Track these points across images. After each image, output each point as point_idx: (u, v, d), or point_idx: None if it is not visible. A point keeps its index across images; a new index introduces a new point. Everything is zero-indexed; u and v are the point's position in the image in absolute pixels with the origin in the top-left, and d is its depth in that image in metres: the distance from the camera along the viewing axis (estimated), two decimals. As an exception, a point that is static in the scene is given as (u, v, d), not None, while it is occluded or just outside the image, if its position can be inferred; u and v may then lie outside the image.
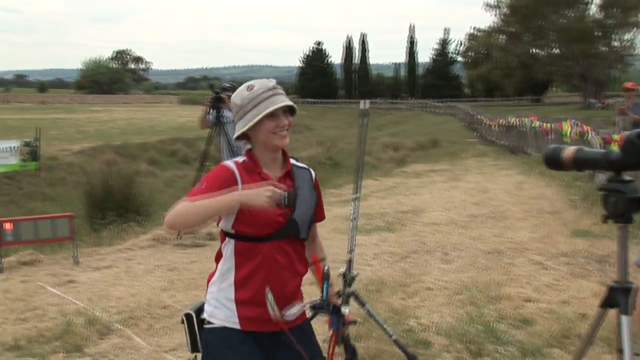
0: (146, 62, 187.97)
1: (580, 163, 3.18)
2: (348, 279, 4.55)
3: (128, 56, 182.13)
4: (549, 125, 26.56)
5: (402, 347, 4.17)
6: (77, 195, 24.07)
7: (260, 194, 3.68)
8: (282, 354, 4.00)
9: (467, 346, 7.18)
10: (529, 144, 30.15)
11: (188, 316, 4.15)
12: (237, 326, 3.95)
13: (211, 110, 12.47)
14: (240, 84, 12.20)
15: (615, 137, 17.01)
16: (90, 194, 19.68)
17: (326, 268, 4.12)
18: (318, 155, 40.48)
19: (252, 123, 3.95)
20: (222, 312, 4.00)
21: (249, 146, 4.20)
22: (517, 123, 33.09)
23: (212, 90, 12.66)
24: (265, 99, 3.97)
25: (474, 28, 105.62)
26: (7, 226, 11.74)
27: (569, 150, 3.15)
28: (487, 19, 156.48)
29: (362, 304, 4.30)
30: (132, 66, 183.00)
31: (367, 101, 4.49)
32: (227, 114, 12.40)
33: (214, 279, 4.14)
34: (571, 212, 14.82)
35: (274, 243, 3.94)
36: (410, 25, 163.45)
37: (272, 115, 3.95)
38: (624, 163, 2.96)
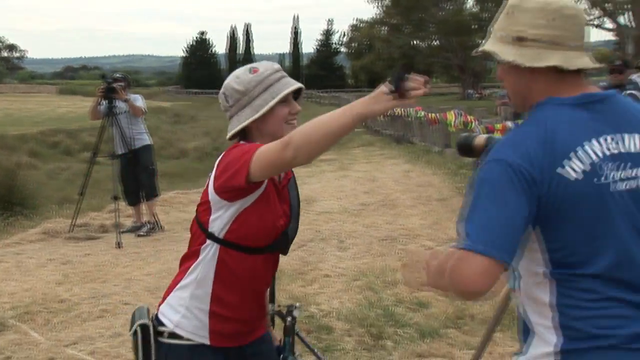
0: (20, 50, 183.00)
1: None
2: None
3: (3, 44, 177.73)
4: (434, 115, 26.92)
5: None
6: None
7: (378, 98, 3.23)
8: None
9: (368, 330, 7.36)
10: (414, 133, 30.43)
11: (144, 327, 3.58)
12: (206, 340, 3.56)
13: (103, 101, 12.35)
14: (123, 73, 12.22)
15: (498, 126, 17.46)
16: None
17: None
18: (205, 146, 40.40)
19: (265, 109, 3.48)
20: (190, 323, 3.55)
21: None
22: (402, 113, 33.38)
23: (103, 80, 12.48)
24: (276, 81, 3.60)
25: (357, 19, 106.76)
26: None
27: (480, 138, 3.20)
28: (370, 11, 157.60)
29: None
30: (5, 54, 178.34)
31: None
32: (119, 104, 12.36)
33: (184, 282, 3.61)
34: (458, 199, 15.01)
35: (263, 256, 3.61)
36: (295, 16, 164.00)
37: (285, 100, 3.57)
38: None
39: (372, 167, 22.80)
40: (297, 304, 3.86)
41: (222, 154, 3.47)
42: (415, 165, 22.09)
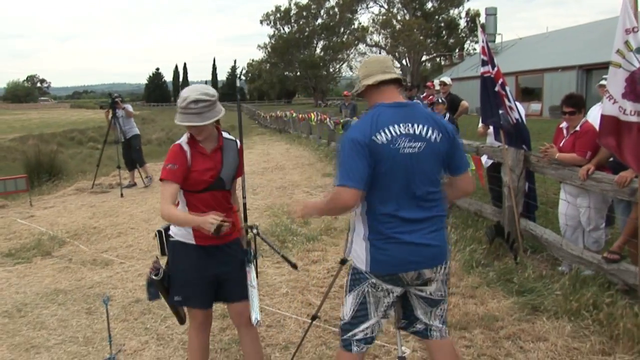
0: (47, 82, 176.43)
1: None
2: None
3: (36, 78, 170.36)
4: (302, 115, 27.15)
5: (286, 259, 3.82)
6: (15, 166, 22.78)
7: (206, 222, 3.18)
8: (220, 256, 3.54)
9: (277, 238, 7.60)
10: (290, 127, 30.58)
11: (159, 232, 3.70)
12: (192, 241, 3.51)
13: (110, 110, 12.31)
14: (118, 94, 12.09)
15: (341, 121, 17.76)
16: (27, 164, 18.89)
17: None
18: (162, 136, 39.64)
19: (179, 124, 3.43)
20: (181, 232, 3.53)
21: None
22: (282, 115, 33.52)
23: (110, 97, 12.45)
24: (180, 110, 3.40)
25: (251, 59, 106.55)
26: (-14, 184, 11.35)
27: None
28: (259, 54, 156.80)
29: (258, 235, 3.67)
30: (39, 85, 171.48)
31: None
32: (118, 112, 12.31)
33: None
34: (320, 164, 15.34)
35: (208, 193, 3.48)
36: (214, 58, 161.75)
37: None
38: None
39: (266, 146, 22.73)
40: (257, 224, 3.70)
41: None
42: (292, 145, 22.19)
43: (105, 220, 9.50)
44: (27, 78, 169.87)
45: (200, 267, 3.51)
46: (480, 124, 7.95)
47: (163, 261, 3.71)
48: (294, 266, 3.88)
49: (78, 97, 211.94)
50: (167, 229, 3.68)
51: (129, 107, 12.73)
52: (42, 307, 5.50)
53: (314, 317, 3.94)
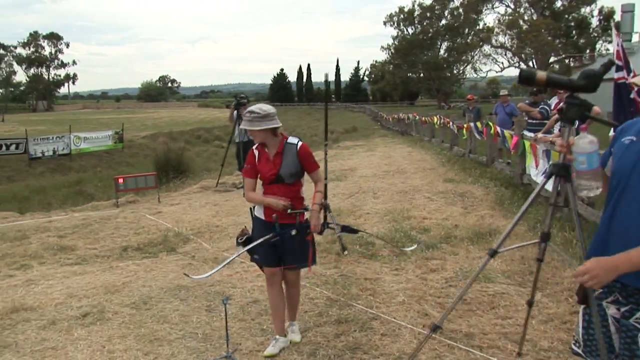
0: (177, 82, 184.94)
1: (550, 82, 2.89)
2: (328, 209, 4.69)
3: (167, 79, 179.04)
4: (424, 118, 26.88)
5: (341, 243, 4.77)
6: (146, 162, 24.07)
7: (274, 202, 4.36)
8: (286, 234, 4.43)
9: (395, 244, 7.41)
10: (412, 129, 30.38)
11: (250, 209, 4.67)
12: (262, 217, 4.51)
13: (235, 111, 12.64)
14: (244, 95, 12.43)
15: (465, 125, 17.39)
16: (156, 161, 19.82)
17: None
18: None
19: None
20: (259, 211, 4.54)
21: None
22: (404, 117, 33.36)
23: (235, 99, 12.77)
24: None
25: (375, 60, 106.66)
26: (120, 180, 12.03)
27: (542, 74, 2.85)
28: (382, 55, 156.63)
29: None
30: (170, 85, 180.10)
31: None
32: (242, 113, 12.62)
33: None
34: (442, 168, 15.06)
35: (274, 185, 4.44)
36: (337, 60, 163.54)
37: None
38: (582, 87, 2.77)
39: (387, 149, 22.67)
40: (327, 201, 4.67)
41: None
42: (414, 149, 21.95)
43: (228, 219, 9.77)
44: (159, 78, 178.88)
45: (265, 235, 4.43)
46: (611, 132, 7.50)
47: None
48: (343, 249, 4.79)
49: (205, 96, 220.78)
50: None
51: None
52: (165, 301, 5.74)
53: (434, 329, 3.61)
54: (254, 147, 4.55)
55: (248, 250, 4.56)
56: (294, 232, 4.45)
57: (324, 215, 4.64)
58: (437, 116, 23.63)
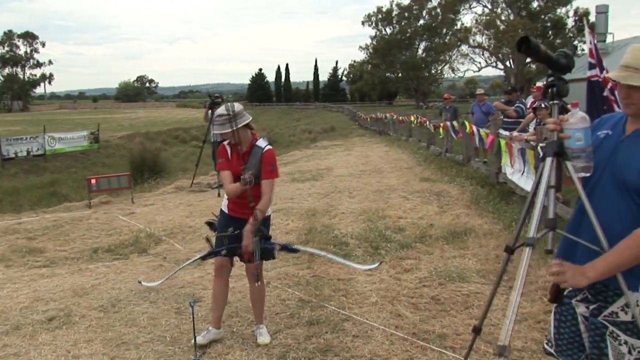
0: (155, 82, 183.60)
1: (544, 56, 2.62)
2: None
3: (145, 79, 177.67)
4: (401, 117, 26.91)
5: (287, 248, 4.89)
6: (122, 163, 23.82)
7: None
8: (240, 225, 4.44)
9: (370, 244, 7.41)
10: (390, 128, 30.38)
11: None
12: (226, 211, 4.65)
13: (209, 111, 12.52)
14: (218, 95, 12.29)
15: (441, 124, 17.41)
16: (132, 161, 19.67)
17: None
18: (263, 136, 39.99)
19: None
20: (224, 204, 4.68)
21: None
22: (382, 116, 33.38)
23: (210, 98, 12.65)
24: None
25: (353, 60, 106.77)
26: (93, 181, 11.83)
27: (543, 47, 2.61)
28: (360, 55, 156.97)
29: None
30: (148, 85, 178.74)
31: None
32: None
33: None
34: (418, 168, 15.04)
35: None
36: (315, 59, 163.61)
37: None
38: (564, 66, 2.61)
39: (365, 149, 22.63)
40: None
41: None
42: (391, 148, 21.92)
43: (201, 219, 9.59)
44: (137, 78, 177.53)
45: (226, 228, 4.49)
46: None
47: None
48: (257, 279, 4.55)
49: (184, 96, 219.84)
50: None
51: None
52: (134, 304, 5.61)
53: (476, 330, 3.24)
54: (225, 142, 4.58)
55: (216, 245, 4.59)
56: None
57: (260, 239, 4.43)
58: (414, 115, 23.66)
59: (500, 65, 68.19)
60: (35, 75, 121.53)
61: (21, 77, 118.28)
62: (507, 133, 11.03)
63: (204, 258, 4.77)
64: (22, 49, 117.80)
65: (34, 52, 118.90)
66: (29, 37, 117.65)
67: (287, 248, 4.86)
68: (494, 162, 11.48)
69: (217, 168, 4.58)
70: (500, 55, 66.04)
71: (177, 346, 4.61)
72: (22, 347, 4.73)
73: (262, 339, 4.61)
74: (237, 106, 4.45)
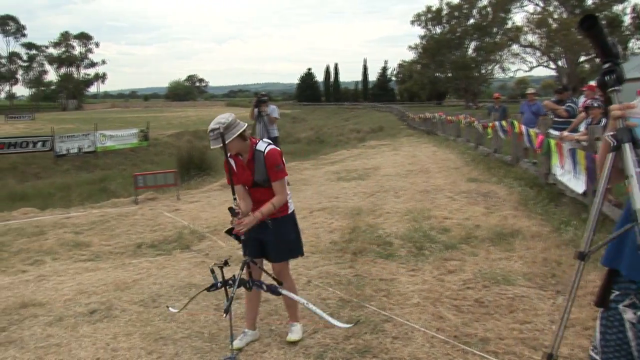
0: (205, 81, 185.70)
1: (603, 40, 2.37)
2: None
3: (195, 78, 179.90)
4: (450, 117, 26.60)
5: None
6: (171, 160, 24.10)
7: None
8: (263, 226, 4.38)
9: (414, 244, 7.28)
10: (438, 129, 30.08)
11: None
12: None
13: (255, 109, 12.55)
14: (264, 93, 12.39)
15: (490, 124, 17.12)
16: (179, 159, 19.90)
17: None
18: (311, 135, 40.51)
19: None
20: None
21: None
22: (430, 116, 33.06)
23: (256, 96, 12.72)
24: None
25: (402, 60, 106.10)
26: (139, 177, 12.02)
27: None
28: (410, 55, 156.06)
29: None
30: (197, 84, 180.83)
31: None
32: (267, 109, 12.54)
33: None
34: (466, 168, 14.81)
35: (254, 189, 4.45)
36: (364, 59, 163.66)
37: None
38: (617, 54, 2.32)
39: (412, 148, 22.44)
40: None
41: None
42: (439, 148, 21.68)
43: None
44: (187, 78, 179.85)
45: (250, 230, 4.35)
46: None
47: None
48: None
49: (233, 95, 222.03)
50: None
51: (274, 113, 12.83)
52: (174, 299, 5.62)
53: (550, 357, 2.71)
54: (228, 157, 4.41)
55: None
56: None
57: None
58: (463, 115, 23.34)
59: (552, 65, 66.76)
60: (89, 75, 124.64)
61: (76, 76, 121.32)
62: (557, 133, 10.74)
63: (208, 289, 4.59)
64: (77, 49, 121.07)
65: (88, 53, 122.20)
66: (84, 37, 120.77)
67: (271, 289, 4.48)
68: (543, 162, 11.19)
69: (228, 182, 4.40)
70: (552, 54, 64.68)
71: (215, 343, 4.59)
72: (63, 338, 4.81)
73: (290, 336, 4.57)
74: (228, 117, 4.34)
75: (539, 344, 4.32)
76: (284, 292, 4.42)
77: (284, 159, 4.54)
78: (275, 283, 4.48)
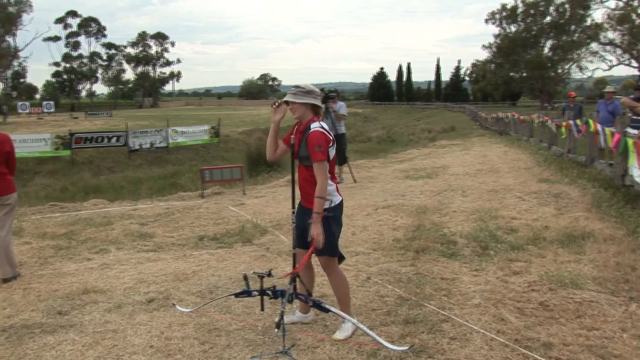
0: (278, 80, 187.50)
1: None
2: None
3: (268, 77, 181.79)
4: (523, 116, 25.93)
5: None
6: (241, 157, 24.34)
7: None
8: (306, 215, 4.34)
9: (479, 244, 7.07)
10: (511, 128, 29.39)
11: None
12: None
13: (323, 105, 12.49)
14: (333, 89, 12.29)
15: (563, 123, 16.55)
16: (249, 155, 20.09)
17: None
18: (382, 134, 40.21)
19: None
20: None
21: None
22: (503, 116, 32.34)
23: (324, 92, 12.69)
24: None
25: (476, 60, 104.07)
26: (206, 172, 12.13)
27: None
28: (483, 54, 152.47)
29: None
30: (270, 83, 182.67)
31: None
32: (335, 106, 12.51)
33: None
34: (537, 168, 14.36)
35: (300, 166, 4.49)
36: (437, 59, 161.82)
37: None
38: None
39: (483, 148, 21.98)
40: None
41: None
42: (511, 148, 21.14)
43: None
44: (260, 77, 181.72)
45: (296, 218, 4.56)
46: None
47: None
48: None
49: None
50: None
51: (342, 110, 12.76)
52: (231, 291, 5.58)
53: None
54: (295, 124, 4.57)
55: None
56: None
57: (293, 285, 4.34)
58: (536, 114, 22.68)
59: (634, 63, 64.12)
60: (165, 74, 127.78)
61: (152, 75, 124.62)
62: (635, 132, 10.21)
63: (237, 295, 4.62)
64: (154, 48, 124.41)
65: (164, 52, 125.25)
66: (160, 37, 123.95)
67: (319, 306, 4.34)
68: (619, 163, 10.67)
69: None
70: (634, 52, 62.05)
71: (267, 336, 4.51)
72: (120, 325, 4.86)
73: (336, 334, 4.46)
74: (315, 89, 4.47)
75: (607, 352, 4.06)
76: (333, 309, 4.30)
77: (330, 148, 4.36)
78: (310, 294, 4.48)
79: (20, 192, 8.93)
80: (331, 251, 4.42)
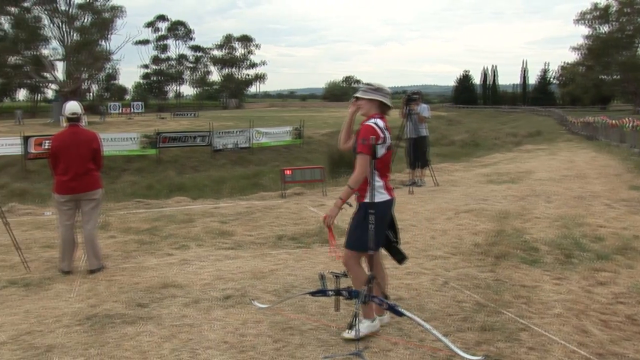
0: (362, 82, 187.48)
1: None
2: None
3: (352, 79, 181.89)
4: (614, 121, 24.91)
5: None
6: (322, 158, 24.48)
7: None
8: None
9: (562, 251, 6.82)
10: (600, 133, 28.31)
11: None
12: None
13: (405, 107, 12.42)
14: (416, 91, 12.16)
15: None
16: (330, 157, 20.17)
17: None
18: (465, 138, 39.49)
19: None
20: None
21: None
22: (592, 121, 31.18)
23: (406, 94, 12.59)
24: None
25: (564, 62, 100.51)
26: (288, 172, 12.23)
27: None
28: (572, 57, 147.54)
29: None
30: (354, 85, 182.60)
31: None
32: (417, 108, 12.42)
33: None
34: (628, 175, 13.76)
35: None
36: (523, 61, 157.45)
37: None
38: None
39: (570, 154, 21.24)
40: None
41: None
42: (599, 154, 20.36)
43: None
44: (344, 79, 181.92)
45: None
46: None
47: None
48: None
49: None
50: None
51: (425, 112, 12.64)
52: (307, 291, 5.59)
53: None
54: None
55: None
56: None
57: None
58: (628, 118, 21.74)
59: None
60: (250, 75, 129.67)
61: (237, 77, 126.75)
62: None
63: (313, 294, 4.72)
64: (239, 51, 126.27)
65: (249, 54, 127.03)
66: (246, 40, 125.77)
67: (393, 309, 4.30)
68: None
69: None
70: None
71: (341, 337, 4.49)
72: (197, 320, 4.95)
73: (345, 333, 4.45)
74: (385, 87, 4.49)
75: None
76: (407, 313, 4.24)
77: (379, 145, 4.32)
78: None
79: (109, 189, 9.29)
80: (357, 245, 4.43)
